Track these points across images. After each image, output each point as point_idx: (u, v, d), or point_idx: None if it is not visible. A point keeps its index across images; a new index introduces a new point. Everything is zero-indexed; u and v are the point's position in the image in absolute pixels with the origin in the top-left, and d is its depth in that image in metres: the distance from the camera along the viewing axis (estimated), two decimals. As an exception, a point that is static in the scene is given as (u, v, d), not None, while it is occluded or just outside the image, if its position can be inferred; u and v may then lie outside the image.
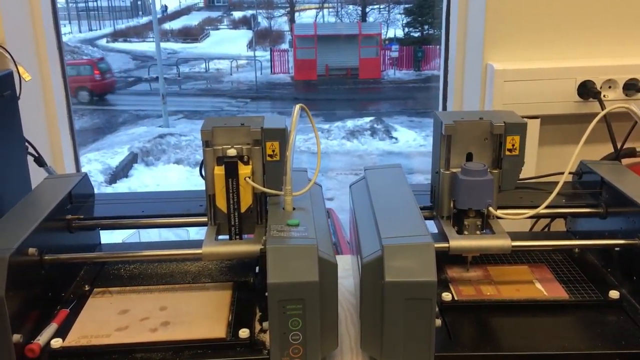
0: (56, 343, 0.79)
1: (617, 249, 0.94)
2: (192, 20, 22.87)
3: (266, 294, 0.74)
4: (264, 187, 0.88)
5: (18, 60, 1.30)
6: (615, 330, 0.82)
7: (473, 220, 0.91)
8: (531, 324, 0.84)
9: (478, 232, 0.91)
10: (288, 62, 16.32)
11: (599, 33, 1.37)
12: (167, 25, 21.38)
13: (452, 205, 0.92)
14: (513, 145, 0.89)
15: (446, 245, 0.87)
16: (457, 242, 0.87)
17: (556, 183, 0.93)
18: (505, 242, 0.87)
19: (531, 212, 0.91)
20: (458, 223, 0.92)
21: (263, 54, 17.15)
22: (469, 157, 0.92)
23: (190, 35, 20.66)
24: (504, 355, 0.79)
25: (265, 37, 19.01)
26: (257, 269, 0.97)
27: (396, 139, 10.81)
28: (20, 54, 1.35)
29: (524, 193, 1.05)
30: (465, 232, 0.91)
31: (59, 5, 1.53)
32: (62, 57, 1.52)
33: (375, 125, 11.12)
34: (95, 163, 9.21)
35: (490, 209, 0.89)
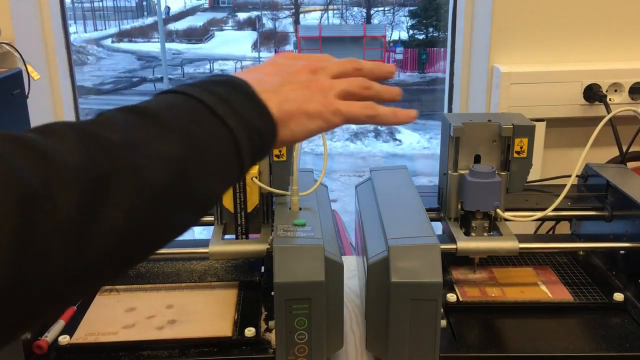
0: (64, 340, 0.79)
1: (622, 252, 0.94)
2: (197, 21, 22.89)
3: (272, 293, 0.75)
4: (270, 187, 0.89)
5: (27, 59, 1.31)
6: (620, 332, 0.82)
7: (480, 222, 0.91)
8: (536, 325, 0.85)
9: (485, 234, 0.92)
10: (292, 64, 16.31)
11: (605, 36, 1.37)
12: (172, 26, 21.42)
13: (459, 206, 0.93)
14: (521, 147, 0.89)
15: (454, 246, 0.88)
16: (465, 244, 0.88)
17: (561, 186, 0.93)
18: (513, 244, 0.87)
19: (539, 214, 0.92)
20: (465, 225, 0.93)
21: (268, 55, 17.19)
22: (477, 159, 0.92)
23: (195, 35, 20.69)
24: (509, 356, 0.79)
25: (270, 39, 19.04)
26: (262, 268, 0.97)
27: (400, 141, 10.80)
28: (29, 53, 1.36)
29: (530, 195, 1.05)
30: (473, 234, 0.92)
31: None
32: (70, 56, 1.52)
33: (379, 127, 11.11)
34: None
35: (498, 210, 0.89)
